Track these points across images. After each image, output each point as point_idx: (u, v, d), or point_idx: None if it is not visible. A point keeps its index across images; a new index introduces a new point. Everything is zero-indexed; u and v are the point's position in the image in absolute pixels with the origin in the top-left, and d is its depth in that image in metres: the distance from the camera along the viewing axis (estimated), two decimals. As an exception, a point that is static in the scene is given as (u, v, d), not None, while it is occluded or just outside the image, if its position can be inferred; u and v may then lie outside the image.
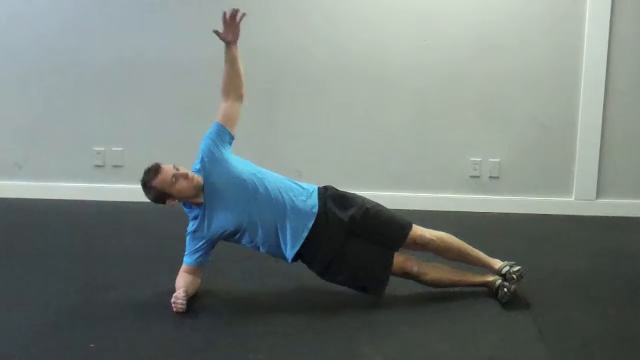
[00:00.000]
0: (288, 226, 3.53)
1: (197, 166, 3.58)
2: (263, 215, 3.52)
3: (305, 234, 3.54)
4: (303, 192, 3.62)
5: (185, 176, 3.45)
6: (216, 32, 3.63)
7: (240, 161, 3.62)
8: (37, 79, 5.41)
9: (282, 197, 3.54)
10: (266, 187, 3.54)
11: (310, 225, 3.54)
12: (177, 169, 3.47)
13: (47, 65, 5.38)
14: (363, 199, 3.71)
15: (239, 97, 3.67)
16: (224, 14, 3.61)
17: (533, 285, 3.71)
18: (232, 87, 3.66)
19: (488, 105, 5.30)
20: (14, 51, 5.38)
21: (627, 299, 3.74)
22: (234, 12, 3.60)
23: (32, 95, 5.44)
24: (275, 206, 3.52)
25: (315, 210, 3.56)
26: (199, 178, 3.51)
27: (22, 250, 4.34)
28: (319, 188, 3.68)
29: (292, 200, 3.55)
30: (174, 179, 3.44)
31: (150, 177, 3.48)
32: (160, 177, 3.45)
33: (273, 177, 3.62)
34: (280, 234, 3.55)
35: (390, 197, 4.87)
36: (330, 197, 3.64)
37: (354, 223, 3.59)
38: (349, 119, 5.37)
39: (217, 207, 3.52)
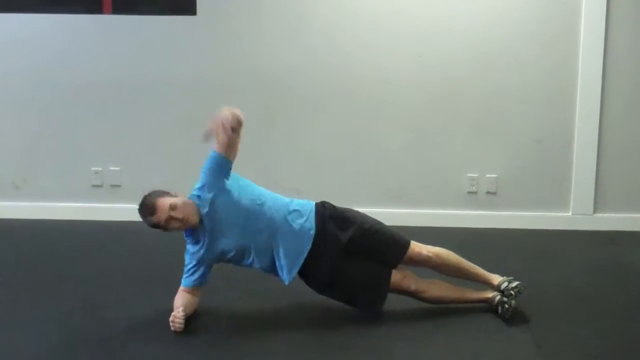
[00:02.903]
0: (284, 251, 3.54)
1: (196, 192, 3.53)
2: (262, 241, 3.53)
3: (302, 259, 3.55)
4: (302, 214, 3.60)
5: (179, 219, 3.44)
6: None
7: (240, 186, 3.58)
8: (35, 99, 5.42)
9: (281, 224, 3.53)
10: (266, 214, 3.53)
11: (307, 249, 3.55)
12: (173, 207, 3.42)
13: (44, 85, 5.40)
14: (362, 218, 3.70)
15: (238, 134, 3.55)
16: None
17: (531, 300, 3.70)
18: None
19: (485, 122, 5.32)
20: (11, 72, 5.39)
21: (625, 314, 3.74)
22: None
23: (30, 116, 5.45)
24: (272, 232, 3.53)
25: (313, 232, 3.56)
26: (194, 217, 3.47)
27: (20, 271, 4.34)
28: (316, 205, 3.68)
29: (290, 225, 3.54)
30: (167, 223, 3.45)
31: (144, 214, 3.48)
32: (155, 218, 3.46)
33: (272, 201, 3.60)
34: (276, 259, 3.56)
35: (388, 214, 4.87)
36: (329, 217, 3.63)
37: (352, 243, 3.60)
38: (346, 137, 5.38)
39: (216, 233, 3.52)
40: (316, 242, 3.56)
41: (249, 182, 3.65)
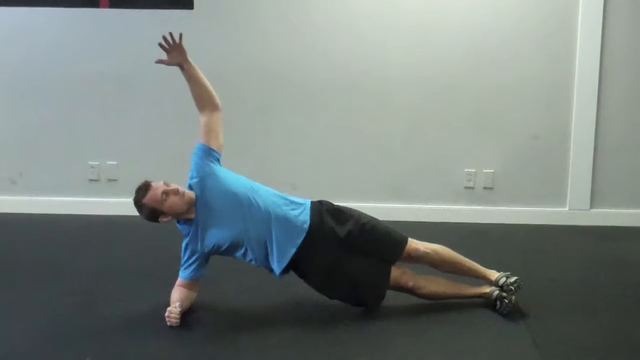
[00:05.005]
0: (275, 241, 3.52)
1: (189, 181, 3.58)
2: (255, 230, 3.51)
3: (292, 251, 3.53)
4: (296, 207, 3.60)
5: (176, 192, 3.45)
6: (161, 61, 3.66)
7: (232, 176, 3.61)
8: (31, 93, 5.42)
9: (274, 212, 3.52)
10: (258, 202, 3.53)
11: (299, 242, 3.53)
12: (167, 185, 3.46)
13: (41, 79, 5.39)
14: (359, 214, 3.69)
15: (216, 107, 3.64)
16: (163, 40, 3.58)
17: (528, 295, 3.71)
18: (205, 100, 3.64)
19: (482, 117, 5.33)
20: (7, 66, 5.39)
21: (622, 309, 3.74)
22: (171, 37, 3.57)
23: (26, 110, 5.45)
24: (266, 221, 3.51)
25: (306, 226, 3.55)
26: (190, 193, 3.51)
27: (17, 265, 4.33)
28: (312, 202, 3.67)
29: (284, 216, 3.54)
30: (164, 196, 3.43)
31: (140, 195, 3.48)
32: (150, 195, 3.45)
33: (266, 192, 3.61)
34: (268, 249, 3.54)
35: (386, 209, 4.89)
36: (327, 212, 3.62)
37: (350, 238, 3.58)
38: (344, 132, 5.38)
39: (210, 222, 3.52)
40: (312, 237, 3.54)
41: (240, 176, 3.65)
